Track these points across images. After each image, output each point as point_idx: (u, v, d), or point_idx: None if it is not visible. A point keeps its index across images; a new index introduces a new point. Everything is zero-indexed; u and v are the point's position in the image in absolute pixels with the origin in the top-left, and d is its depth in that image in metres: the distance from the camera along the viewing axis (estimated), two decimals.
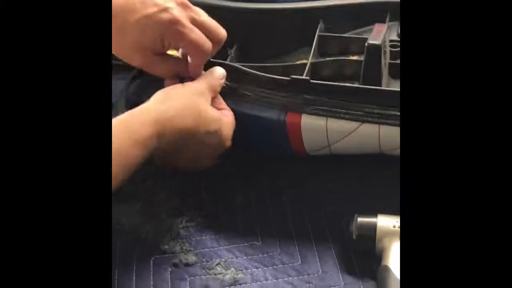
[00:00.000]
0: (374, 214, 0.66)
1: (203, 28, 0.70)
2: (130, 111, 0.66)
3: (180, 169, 0.73)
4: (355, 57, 0.81)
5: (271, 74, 0.76)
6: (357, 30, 0.86)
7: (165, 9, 0.68)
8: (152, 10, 0.68)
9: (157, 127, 0.65)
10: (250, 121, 0.72)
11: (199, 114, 0.68)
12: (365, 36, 0.80)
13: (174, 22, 0.68)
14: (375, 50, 0.70)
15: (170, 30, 0.68)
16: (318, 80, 0.77)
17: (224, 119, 0.71)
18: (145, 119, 0.65)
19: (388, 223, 0.65)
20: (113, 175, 0.59)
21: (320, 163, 0.77)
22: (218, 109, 0.72)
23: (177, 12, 0.69)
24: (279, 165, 0.78)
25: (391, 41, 0.79)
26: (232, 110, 0.73)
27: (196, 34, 0.69)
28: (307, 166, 0.78)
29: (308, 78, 0.70)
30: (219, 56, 0.78)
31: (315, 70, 0.79)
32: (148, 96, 0.71)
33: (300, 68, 0.78)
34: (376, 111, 0.68)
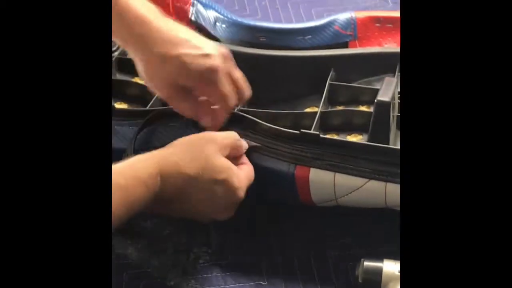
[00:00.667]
0: (380, 259, 0.68)
1: (234, 84, 0.73)
2: (136, 156, 0.67)
3: (190, 219, 0.73)
4: (364, 107, 0.84)
5: (281, 121, 0.79)
6: (367, 79, 0.89)
7: (208, 55, 0.71)
8: (195, 51, 0.71)
9: (160, 168, 0.65)
10: (259, 171, 0.74)
11: (205, 161, 0.67)
12: (375, 87, 0.83)
13: (212, 70, 0.71)
14: (384, 107, 0.73)
15: (206, 76, 0.71)
16: (327, 130, 0.81)
17: (235, 169, 0.70)
18: (148, 160, 0.66)
19: (393, 268, 0.66)
20: (115, 212, 0.59)
21: (327, 210, 0.79)
22: (238, 164, 0.72)
23: (218, 62, 0.71)
24: (286, 210, 0.80)
25: (399, 92, 0.80)
26: None
27: (227, 89, 0.72)
28: (314, 213, 0.79)
29: (317, 133, 0.73)
30: None
31: (325, 119, 0.81)
32: (154, 144, 0.74)
33: (310, 116, 0.81)
34: (383, 168, 0.70)
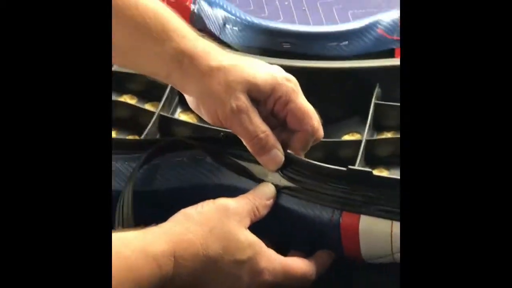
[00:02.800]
0: None
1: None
2: (150, 229, 0.67)
3: None
4: None
5: (313, 153, 0.76)
6: None
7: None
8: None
9: (174, 246, 0.65)
10: (293, 219, 0.72)
11: (227, 239, 0.68)
12: None
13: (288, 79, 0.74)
14: None
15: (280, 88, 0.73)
16: (374, 164, 0.79)
17: (263, 245, 0.69)
18: (161, 235, 0.66)
19: None
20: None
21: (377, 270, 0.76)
22: None
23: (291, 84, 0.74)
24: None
25: None
26: (276, 205, 0.73)
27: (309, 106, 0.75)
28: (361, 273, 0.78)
29: (370, 170, 0.70)
30: None
31: (370, 149, 0.80)
32: (157, 186, 0.74)
33: (351, 146, 0.79)
34: None
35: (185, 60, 0.72)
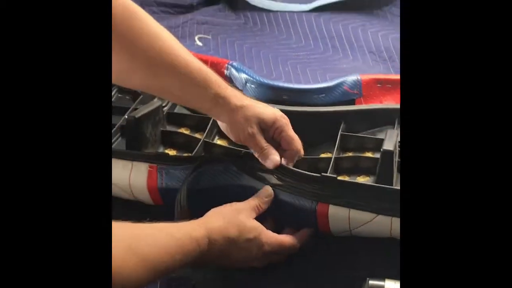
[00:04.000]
0: (383, 278, 0.64)
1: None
2: (192, 221, 0.65)
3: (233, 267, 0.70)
4: (369, 154, 0.80)
5: (301, 165, 0.75)
6: (371, 130, 0.85)
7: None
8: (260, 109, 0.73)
9: (207, 231, 0.64)
10: (287, 207, 0.71)
11: (239, 226, 0.67)
12: (378, 137, 0.80)
13: (283, 116, 0.74)
14: (389, 155, 0.69)
15: (278, 122, 0.73)
16: (340, 173, 0.76)
17: (263, 228, 0.68)
18: (199, 224, 0.65)
19: (393, 286, 0.63)
20: (169, 262, 0.58)
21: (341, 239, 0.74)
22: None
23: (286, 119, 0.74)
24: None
25: (399, 142, 0.76)
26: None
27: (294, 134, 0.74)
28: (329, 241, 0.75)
29: (335, 176, 0.70)
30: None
31: (337, 163, 0.78)
32: (203, 185, 0.72)
33: (325, 161, 0.78)
34: (388, 205, 0.66)
35: (220, 100, 0.71)
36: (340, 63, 1.12)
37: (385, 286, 0.63)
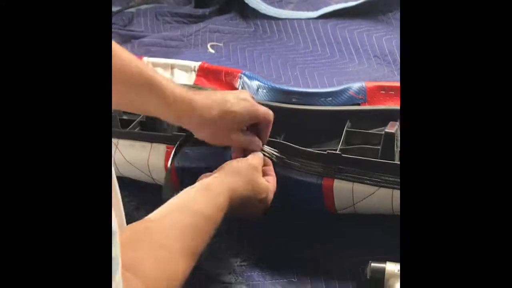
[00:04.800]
0: (384, 261, 0.69)
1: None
2: (204, 182, 0.67)
3: (241, 219, 0.75)
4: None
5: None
6: (374, 130, 0.90)
7: (243, 98, 0.74)
8: (234, 101, 0.73)
9: (229, 195, 0.67)
10: (295, 184, 0.76)
11: (255, 186, 0.70)
12: (381, 132, 0.83)
13: (253, 105, 0.73)
14: (391, 137, 0.75)
15: (249, 113, 0.73)
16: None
17: (270, 187, 0.72)
18: (222, 190, 0.67)
19: (394, 268, 0.68)
20: (204, 240, 0.61)
21: (348, 223, 0.80)
22: (268, 175, 0.74)
23: (248, 97, 0.74)
24: (313, 226, 0.81)
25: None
26: (282, 175, 0.76)
27: (263, 107, 0.74)
28: (335, 226, 0.81)
29: (340, 152, 0.76)
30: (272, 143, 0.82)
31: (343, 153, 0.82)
32: (194, 163, 0.76)
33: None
34: (390, 178, 0.72)
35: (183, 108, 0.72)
36: (346, 67, 1.18)
37: (386, 268, 0.68)
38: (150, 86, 0.70)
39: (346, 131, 0.87)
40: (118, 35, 1.34)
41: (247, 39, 1.30)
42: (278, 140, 0.80)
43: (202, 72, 1.03)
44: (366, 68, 1.17)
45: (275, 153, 0.78)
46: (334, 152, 0.76)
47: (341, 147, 0.83)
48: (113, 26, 1.35)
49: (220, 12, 1.45)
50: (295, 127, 0.89)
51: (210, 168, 0.74)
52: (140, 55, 1.12)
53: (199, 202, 0.64)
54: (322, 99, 0.97)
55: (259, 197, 0.71)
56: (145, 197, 0.87)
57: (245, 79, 1.04)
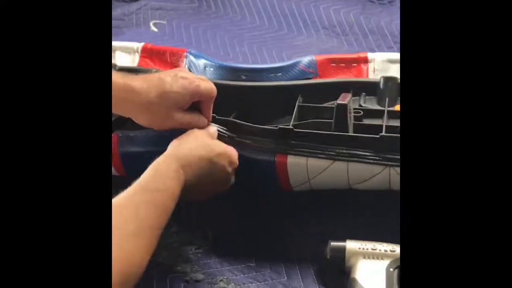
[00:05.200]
0: (344, 239, 0.69)
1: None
2: (156, 160, 0.66)
3: (200, 199, 0.72)
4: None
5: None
6: (326, 104, 0.88)
7: (182, 77, 0.71)
8: (171, 81, 0.70)
9: (180, 161, 0.66)
10: (248, 162, 0.74)
11: (208, 144, 0.69)
12: (333, 106, 0.82)
13: (191, 82, 0.70)
14: (343, 108, 0.74)
15: (188, 91, 0.70)
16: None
17: (229, 152, 0.71)
18: (169, 160, 0.66)
19: (355, 245, 0.68)
20: (163, 213, 0.60)
21: (304, 203, 0.79)
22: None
23: (186, 75, 0.71)
24: (268, 208, 0.80)
25: (354, 108, 0.82)
26: None
27: (204, 82, 0.72)
28: (292, 206, 0.80)
29: (292, 127, 0.74)
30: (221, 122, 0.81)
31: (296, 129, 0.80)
32: (142, 147, 0.74)
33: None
34: (345, 151, 0.71)
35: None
36: (295, 40, 1.17)
37: (347, 246, 0.68)
38: None
39: (298, 106, 0.86)
40: None
41: (191, 15, 1.27)
42: (227, 118, 0.78)
43: (146, 53, 1.00)
44: (315, 41, 1.16)
45: (223, 131, 0.75)
46: (285, 127, 0.74)
47: (294, 123, 0.81)
48: None
49: None
50: (246, 105, 0.88)
51: (161, 151, 0.71)
52: None
53: (151, 179, 0.63)
54: (272, 74, 0.95)
55: (217, 153, 0.69)
56: None
57: (191, 58, 1.01)
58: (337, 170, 0.72)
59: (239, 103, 0.87)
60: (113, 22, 1.24)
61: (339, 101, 0.74)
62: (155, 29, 1.22)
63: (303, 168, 0.73)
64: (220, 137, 0.75)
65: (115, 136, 0.78)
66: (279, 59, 1.11)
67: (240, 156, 0.74)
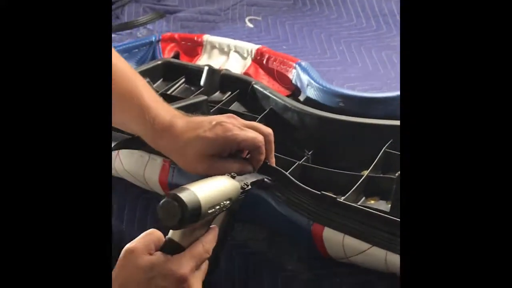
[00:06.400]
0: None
1: (252, 128, 0.70)
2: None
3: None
4: None
5: (340, 179, 0.73)
6: None
7: (219, 123, 0.68)
8: (207, 126, 0.68)
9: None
10: (282, 220, 0.69)
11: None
12: None
13: (227, 130, 0.67)
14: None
15: (221, 138, 0.67)
16: (369, 195, 0.73)
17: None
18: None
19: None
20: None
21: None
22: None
23: (229, 122, 0.68)
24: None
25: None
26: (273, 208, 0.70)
27: (247, 131, 0.68)
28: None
29: (335, 196, 0.66)
30: (297, 156, 0.78)
31: (372, 183, 0.73)
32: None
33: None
34: (385, 236, 0.62)
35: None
36: (394, 41, 1.13)
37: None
38: (137, 106, 0.70)
39: (385, 152, 0.76)
40: (151, 9, 1.33)
41: (286, 12, 1.28)
42: (277, 168, 0.71)
43: (257, 59, 1.02)
44: None
45: (266, 179, 0.70)
46: (328, 195, 0.67)
47: (371, 173, 0.74)
48: (146, 0, 1.36)
49: None
50: (328, 141, 0.83)
51: None
52: (174, 31, 1.16)
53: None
54: (373, 106, 0.88)
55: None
56: None
57: (299, 70, 0.99)
58: (374, 256, 0.63)
59: (319, 138, 0.82)
60: (209, 17, 1.29)
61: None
62: (250, 25, 1.23)
63: (339, 244, 0.65)
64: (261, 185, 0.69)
65: (166, 164, 0.77)
66: (378, 60, 1.07)
67: (275, 211, 0.69)
